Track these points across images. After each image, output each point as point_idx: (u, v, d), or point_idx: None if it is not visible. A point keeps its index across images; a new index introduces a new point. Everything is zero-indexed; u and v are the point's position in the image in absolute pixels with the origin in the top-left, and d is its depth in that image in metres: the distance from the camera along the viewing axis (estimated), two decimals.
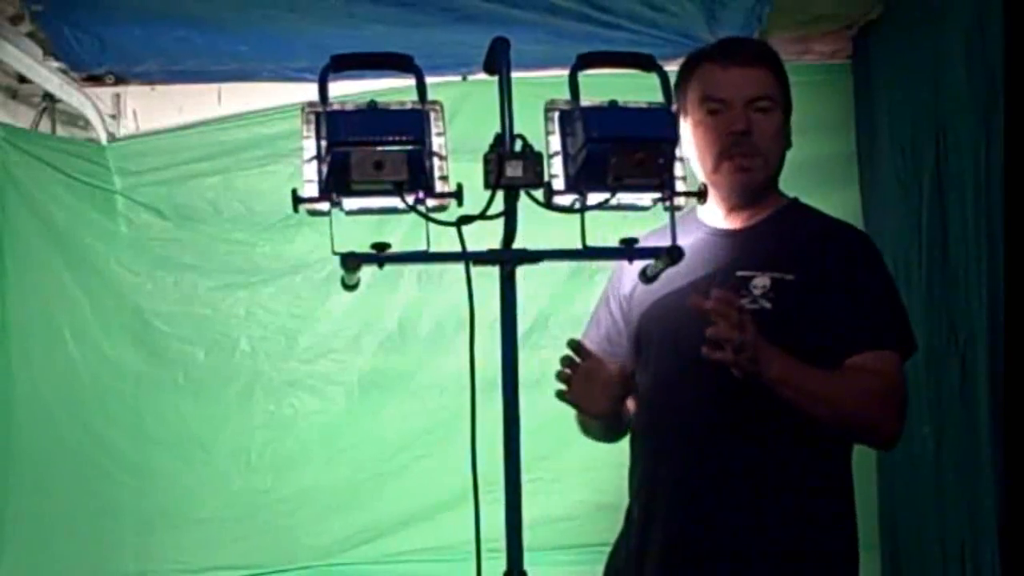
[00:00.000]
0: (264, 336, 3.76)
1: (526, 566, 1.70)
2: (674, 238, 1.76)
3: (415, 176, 1.66)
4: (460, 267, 1.72)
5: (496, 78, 1.72)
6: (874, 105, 3.46)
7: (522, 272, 1.73)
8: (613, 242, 1.76)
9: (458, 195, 1.69)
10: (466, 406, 1.74)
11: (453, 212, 1.70)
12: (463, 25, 3.22)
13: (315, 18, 3.28)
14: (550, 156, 1.73)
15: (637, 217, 1.81)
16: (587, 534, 3.46)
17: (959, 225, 2.81)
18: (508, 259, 1.72)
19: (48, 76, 3.66)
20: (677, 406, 2.06)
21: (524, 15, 3.20)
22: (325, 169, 1.66)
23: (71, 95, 3.77)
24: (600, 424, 2.19)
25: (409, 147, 1.64)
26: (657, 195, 1.75)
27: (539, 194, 1.70)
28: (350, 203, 1.71)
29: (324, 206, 1.70)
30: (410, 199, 1.67)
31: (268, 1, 3.26)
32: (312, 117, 1.69)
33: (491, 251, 1.72)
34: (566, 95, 1.74)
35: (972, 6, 2.71)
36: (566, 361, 2.05)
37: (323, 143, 1.67)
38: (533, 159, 1.68)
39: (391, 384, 3.76)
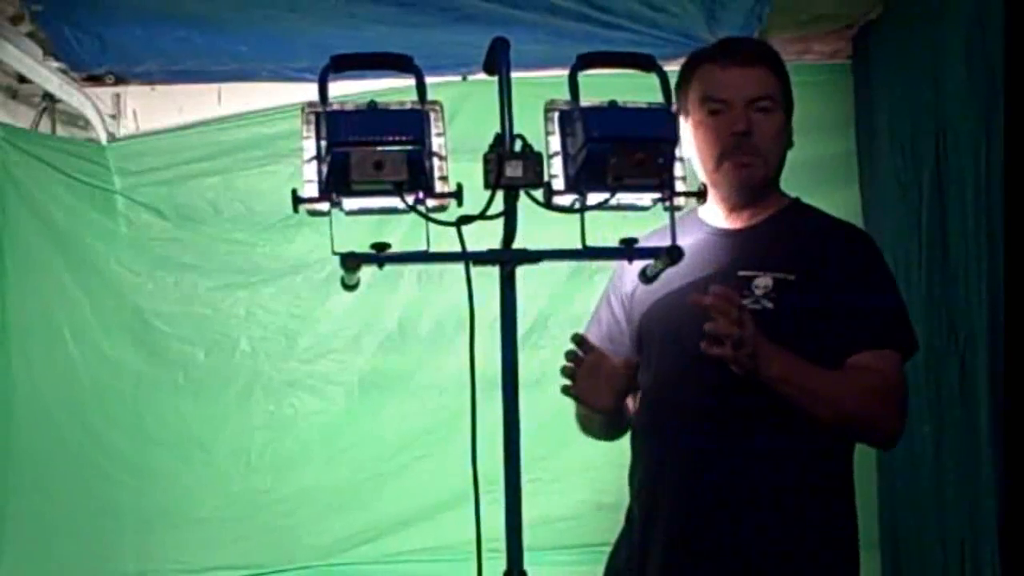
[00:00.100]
0: (264, 336, 3.76)
1: (526, 566, 1.69)
2: (674, 238, 1.76)
3: (415, 176, 1.65)
4: (460, 267, 1.72)
5: (496, 78, 1.72)
6: (874, 105, 3.46)
7: (522, 272, 1.73)
8: (613, 242, 1.75)
9: (458, 195, 1.68)
10: (466, 406, 1.73)
11: (453, 212, 1.70)
12: (463, 25, 3.22)
13: (315, 18, 3.28)
14: (550, 156, 1.72)
15: (637, 217, 1.80)
16: (587, 534, 3.46)
17: (959, 224, 2.81)
18: (508, 259, 1.71)
19: (48, 76, 3.66)
20: (679, 405, 2.05)
21: (524, 15, 3.19)
22: (325, 169, 1.66)
23: (71, 95, 3.77)
24: (602, 420, 2.19)
25: (409, 147, 1.64)
26: (657, 195, 1.74)
27: (539, 194, 1.70)
28: (350, 203, 1.71)
29: (324, 206, 1.69)
30: (410, 199, 1.67)
31: (268, 1, 3.26)
32: (312, 117, 1.69)
33: (491, 251, 1.71)
34: (566, 95, 1.74)
35: (972, 6, 2.71)
36: (570, 355, 2.05)
37: (323, 143, 1.66)
38: (533, 159, 1.68)
39: (391, 384, 3.76)
